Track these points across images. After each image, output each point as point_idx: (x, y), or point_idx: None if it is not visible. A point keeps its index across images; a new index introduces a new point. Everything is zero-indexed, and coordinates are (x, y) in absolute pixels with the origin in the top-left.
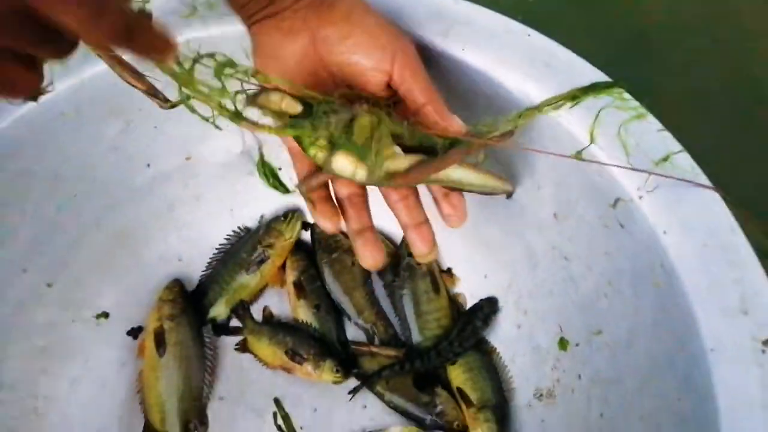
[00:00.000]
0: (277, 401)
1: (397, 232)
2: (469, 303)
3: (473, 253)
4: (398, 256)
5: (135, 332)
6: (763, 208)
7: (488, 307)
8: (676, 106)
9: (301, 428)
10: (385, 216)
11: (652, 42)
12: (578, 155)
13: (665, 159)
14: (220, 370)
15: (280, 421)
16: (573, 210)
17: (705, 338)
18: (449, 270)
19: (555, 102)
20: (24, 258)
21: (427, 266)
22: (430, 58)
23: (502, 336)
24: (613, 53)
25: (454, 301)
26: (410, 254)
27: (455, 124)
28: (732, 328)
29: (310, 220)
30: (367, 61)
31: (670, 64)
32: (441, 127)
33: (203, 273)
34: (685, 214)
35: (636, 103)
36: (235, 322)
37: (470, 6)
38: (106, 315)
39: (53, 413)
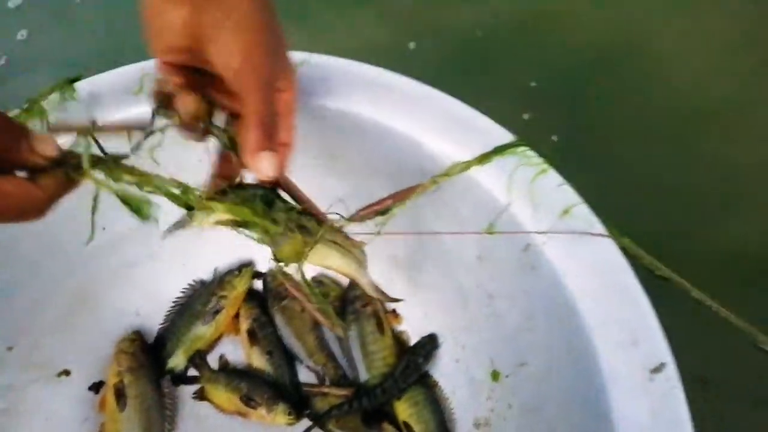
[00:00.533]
0: None
1: (341, 278)
2: (413, 340)
3: (414, 293)
4: (345, 300)
5: (96, 387)
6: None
7: (429, 344)
8: None
9: None
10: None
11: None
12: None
13: (566, 212)
14: (179, 419)
15: None
16: (492, 253)
17: (604, 370)
18: (394, 310)
19: (467, 166)
20: None
21: (372, 308)
22: (360, 125)
23: (443, 370)
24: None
25: (398, 340)
26: (355, 298)
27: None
28: (625, 359)
29: (262, 269)
30: (219, 58)
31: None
32: (244, 159)
33: (161, 326)
34: (583, 258)
35: (540, 160)
36: (192, 372)
37: (394, 75)
38: (67, 373)
39: None
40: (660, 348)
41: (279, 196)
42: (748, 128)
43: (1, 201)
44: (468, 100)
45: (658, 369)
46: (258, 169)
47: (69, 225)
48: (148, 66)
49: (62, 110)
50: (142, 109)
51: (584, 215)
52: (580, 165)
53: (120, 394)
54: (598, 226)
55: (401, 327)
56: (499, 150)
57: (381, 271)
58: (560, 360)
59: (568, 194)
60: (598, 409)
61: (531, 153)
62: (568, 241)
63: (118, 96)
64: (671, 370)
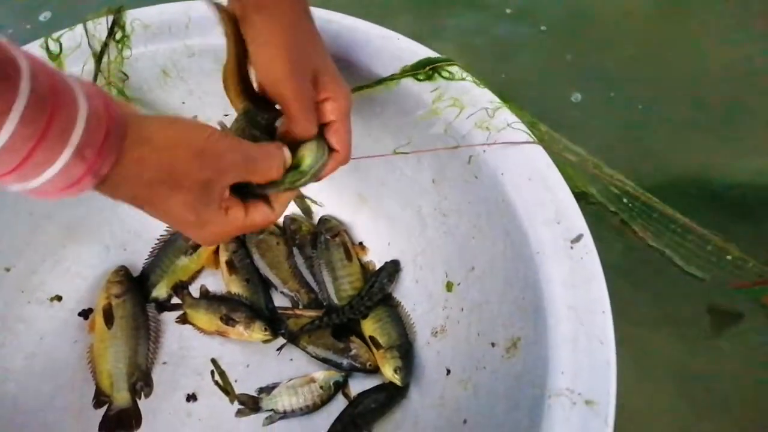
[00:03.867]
0: (214, 361)
1: (314, 214)
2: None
3: (379, 225)
4: (315, 233)
5: (86, 313)
6: None
7: (392, 267)
8: None
9: (235, 381)
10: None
11: None
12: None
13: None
14: (163, 340)
15: (217, 377)
16: (444, 174)
17: (533, 244)
18: (361, 243)
19: (404, 75)
20: None
21: (340, 239)
22: None
23: (404, 291)
24: None
25: (365, 268)
26: (325, 231)
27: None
28: (550, 233)
29: None
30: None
31: None
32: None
33: (146, 261)
34: (515, 159)
35: (472, 79)
36: (176, 300)
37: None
38: (59, 298)
39: (10, 383)
40: (578, 223)
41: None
42: None
43: (247, 229)
44: None
45: (576, 239)
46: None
47: None
48: None
49: None
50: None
51: (520, 131)
52: None
53: (108, 315)
54: (525, 135)
55: (368, 257)
56: (435, 62)
57: (349, 206)
58: (500, 253)
59: (505, 113)
60: (528, 279)
61: (462, 71)
62: (502, 147)
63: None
64: (587, 240)
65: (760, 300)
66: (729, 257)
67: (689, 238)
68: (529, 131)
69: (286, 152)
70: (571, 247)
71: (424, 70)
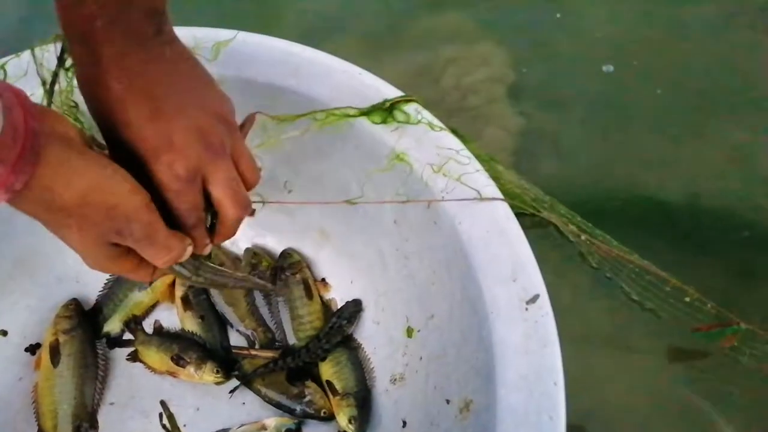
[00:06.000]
0: (162, 403)
1: (276, 248)
2: (340, 306)
3: (342, 262)
4: (275, 268)
5: (33, 348)
6: None
7: (352, 308)
8: None
9: (184, 425)
10: (266, 234)
11: None
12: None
13: (458, 179)
14: (112, 379)
15: (165, 421)
16: (405, 215)
17: (487, 303)
18: (323, 279)
19: (361, 113)
20: None
21: (301, 276)
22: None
23: (364, 332)
24: None
25: (326, 306)
26: (287, 266)
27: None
28: (505, 292)
29: None
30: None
31: None
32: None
33: (100, 293)
34: (474, 208)
35: (435, 120)
36: (128, 336)
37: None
38: (4, 333)
39: None
40: (535, 281)
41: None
42: None
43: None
44: None
45: (532, 300)
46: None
47: None
48: None
49: None
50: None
51: (481, 179)
52: None
53: (55, 352)
54: (490, 190)
55: (330, 295)
56: (397, 100)
57: (312, 242)
58: (457, 304)
59: (471, 160)
60: (483, 339)
61: (423, 111)
62: (461, 195)
63: None
64: (543, 300)
65: (718, 343)
66: (687, 299)
67: (647, 278)
68: (489, 178)
69: (189, 251)
70: (526, 308)
71: (382, 109)
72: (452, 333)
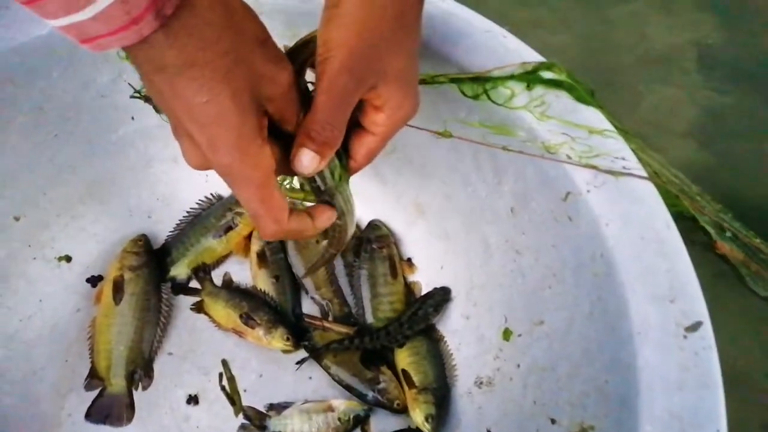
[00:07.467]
0: (224, 362)
1: (362, 217)
2: (425, 292)
3: (434, 244)
4: (361, 239)
5: (95, 280)
6: None
7: (440, 296)
8: None
9: (244, 391)
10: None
11: None
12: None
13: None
14: (173, 328)
15: (224, 382)
16: (528, 204)
17: (633, 322)
18: (409, 259)
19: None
20: None
21: (388, 251)
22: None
23: (450, 326)
24: None
25: (410, 289)
26: (374, 238)
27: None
28: (659, 313)
29: None
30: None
31: None
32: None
33: (170, 234)
34: (625, 208)
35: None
36: (194, 284)
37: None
38: (68, 258)
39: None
40: (697, 307)
41: None
42: None
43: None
44: None
45: (693, 327)
46: (294, 163)
47: (96, 103)
48: None
49: None
50: None
51: (633, 159)
52: None
53: (118, 288)
54: (641, 171)
55: (414, 277)
56: (539, 67)
57: (404, 216)
58: (582, 316)
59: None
60: (619, 361)
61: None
62: (610, 190)
63: None
64: (706, 330)
65: None
66: None
67: None
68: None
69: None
70: (685, 336)
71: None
72: (568, 347)
